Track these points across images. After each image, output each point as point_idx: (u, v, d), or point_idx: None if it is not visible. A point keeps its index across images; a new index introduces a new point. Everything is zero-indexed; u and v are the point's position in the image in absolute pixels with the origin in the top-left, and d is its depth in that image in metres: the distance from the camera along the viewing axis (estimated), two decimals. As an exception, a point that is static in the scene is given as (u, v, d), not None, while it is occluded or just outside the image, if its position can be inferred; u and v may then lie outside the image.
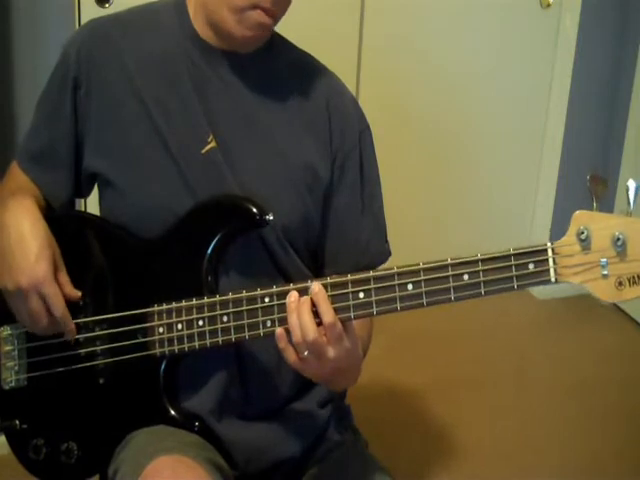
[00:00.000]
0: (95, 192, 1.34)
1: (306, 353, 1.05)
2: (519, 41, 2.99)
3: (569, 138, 3.10)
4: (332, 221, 1.29)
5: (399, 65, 2.84)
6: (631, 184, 1.01)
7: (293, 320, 1.05)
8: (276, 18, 1.21)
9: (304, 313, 1.05)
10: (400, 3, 2.79)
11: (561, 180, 3.12)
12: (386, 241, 1.34)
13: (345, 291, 1.08)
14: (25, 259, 1.17)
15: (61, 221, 1.27)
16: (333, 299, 1.08)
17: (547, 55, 3.03)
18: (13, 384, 1.26)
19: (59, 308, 1.19)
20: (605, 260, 1.00)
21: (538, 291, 3.21)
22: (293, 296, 1.07)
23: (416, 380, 2.54)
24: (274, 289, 1.12)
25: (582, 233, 1.00)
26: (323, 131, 1.27)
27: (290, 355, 1.07)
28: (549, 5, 2.97)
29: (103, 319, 1.22)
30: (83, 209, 2.13)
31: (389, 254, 1.33)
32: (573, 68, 3.02)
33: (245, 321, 1.13)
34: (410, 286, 1.05)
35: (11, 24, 2.34)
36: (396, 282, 1.06)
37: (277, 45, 1.30)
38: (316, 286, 1.06)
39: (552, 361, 2.79)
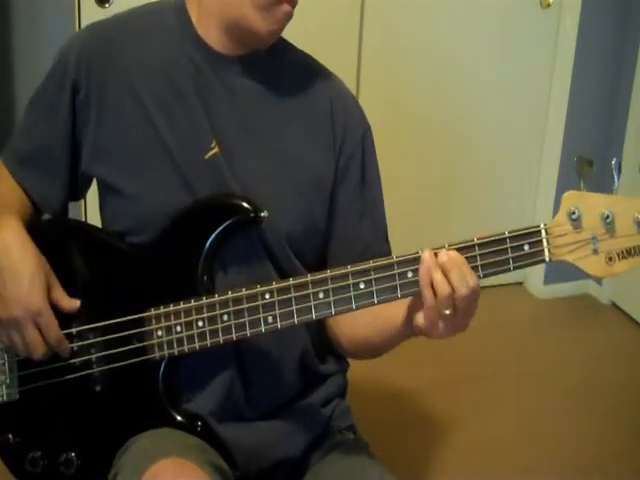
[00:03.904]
0: (95, 196, 1.32)
1: (448, 312, 1.03)
2: (519, 41, 2.99)
3: (569, 138, 3.10)
4: (334, 222, 1.29)
5: (399, 65, 2.84)
6: (615, 163, 1.06)
7: (438, 277, 1.03)
8: (296, 5, 1.21)
9: (452, 271, 1.03)
10: (400, 3, 2.79)
11: (561, 180, 3.12)
12: (386, 240, 1.34)
13: (346, 282, 1.09)
14: (17, 289, 1.16)
15: (52, 229, 1.26)
16: (334, 291, 1.09)
17: (547, 55, 3.04)
18: (4, 398, 1.24)
19: (54, 336, 1.19)
20: (595, 237, 1.05)
21: (538, 290, 3.21)
22: (428, 254, 1.04)
23: (416, 379, 2.54)
24: (274, 285, 1.12)
25: (573, 213, 1.04)
26: (327, 134, 1.27)
27: (434, 316, 1.04)
28: (549, 5, 2.97)
29: (98, 327, 1.21)
30: (83, 211, 2.13)
31: (389, 254, 1.33)
32: (573, 68, 3.02)
33: (246, 319, 1.13)
34: (410, 274, 1.07)
35: (11, 24, 2.35)
36: (396, 271, 1.07)
37: (279, 48, 1.29)
38: (453, 254, 1.04)
39: (552, 361, 2.79)
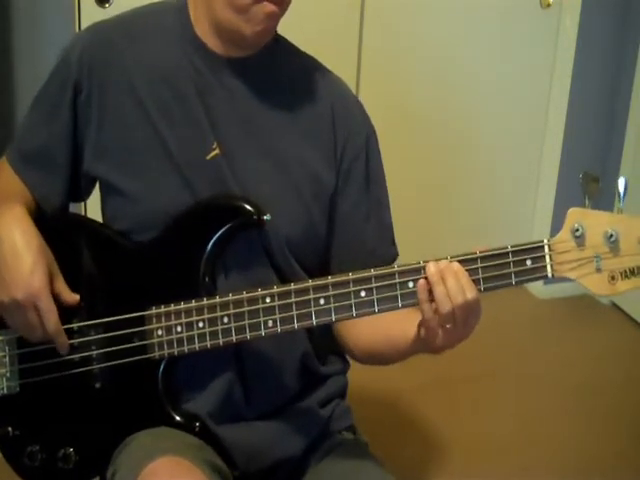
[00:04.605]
0: (96, 196, 1.33)
1: (449, 325, 1.05)
2: (519, 41, 2.99)
3: (569, 138, 3.10)
4: (338, 226, 1.28)
5: (399, 65, 2.84)
6: (621, 181, 1.05)
7: (439, 291, 1.04)
8: (283, 5, 1.18)
9: (449, 279, 1.03)
10: (400, 3, 2.79)
11: (561, 180, 3.12)
12: (393, 243, 1.34)
13: (347, 290, 1.09)
14: (20, 272, 1.16)
15: (56, 224, 1.26)
16: (335, 298, 1.09)
17: (547, 55, 3.03)
18: (5, 391, 1.25)
19: (52, 324, 1.18)
20: (599, 256, 1.04)
21: (538, 290, 3.21)
22: (433, 267, 1.05)
23: (416, 379, 2.53)
24: (275, 289, 1.12)
25: (577, 230, 1.04)
26: (327, 137, 1.27)
27: (434, 328, 1.06)
28: (549, 5, 2.97)
29: (98, 323, 1.21)
30: (83, 212, 2.13)
31: (396, 256, 1.33)
32: (573, 68, 3.02)
33: (246, 322, 1.13)
34: (411, 284, 1.07)
35: (11, 24, 2.35)
36: (397, 280, 1.08)
37: (281, 50, 1.29)
38: (455, 265, 1.04)
39: (552, 361, 2.79)
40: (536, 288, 3.21)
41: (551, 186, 3.15)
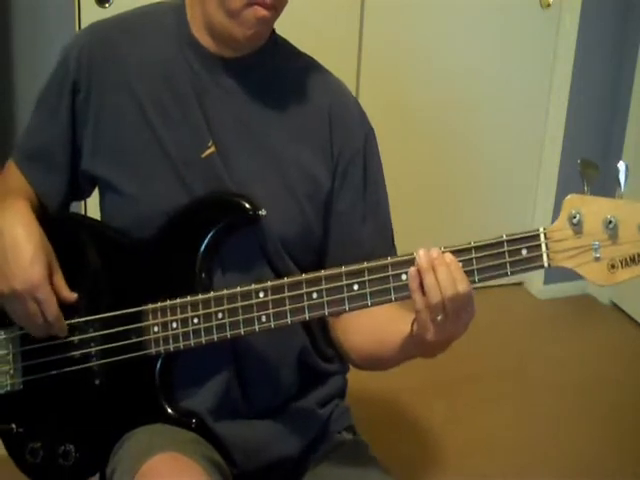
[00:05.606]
0: (96, 195, 1.33)
1: (439, 317, 1.01)
2: (519, 41, 2.99)
3: (569, 138, 3.10)
4: (335, 227, 1.28)
5: (399, 65, 2.84)
6: (621, 166, 1.00)
7: (428, 281, 1.00)
8: (277, 9, 1.18)
9: (440, 269, 1.00)
10: (400, 3, 2.79)
11: (561, 181, 3.12)
12: (393, 245, 1.33)
13: (340, 283, 1.08)
14: (19, 264, 1.17)
15: (54, 222, 1.27)
16: (327, 292, 1.08)
17: (547, 55, 3.04)
18: (8, 388, 1.26)
19: (52, 313, 1.19)
20: (597, 243, 1.00)
21: (538, 290, 3.21)
22: (423, 254, 1.01)
23: (415, 379, 2.53)
24: (268, 283, 1.12)
25: (574, 217, 0.99)
26: (323, 137, 1.26)
27: (425, 319, 1.02)
28: (549, 5, 2.97)
29: (96, 319, 1.22)
30: (83, 211, 2.13)
31: None
32: (573, 68, 3.02)
33: (240, 317, 1.13)
34: (404, 277, 1.05)
35: (11, 24, 2.35)
36: (390, 273, 1.06)
37: (279, 50, 1.29)
38: (447, 257, 1.01)
39: (552, 361, 2.79)
40: (536, 288, 3.21)
41: (551, 186, 3.15)
